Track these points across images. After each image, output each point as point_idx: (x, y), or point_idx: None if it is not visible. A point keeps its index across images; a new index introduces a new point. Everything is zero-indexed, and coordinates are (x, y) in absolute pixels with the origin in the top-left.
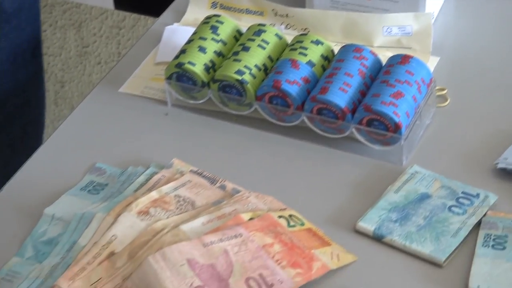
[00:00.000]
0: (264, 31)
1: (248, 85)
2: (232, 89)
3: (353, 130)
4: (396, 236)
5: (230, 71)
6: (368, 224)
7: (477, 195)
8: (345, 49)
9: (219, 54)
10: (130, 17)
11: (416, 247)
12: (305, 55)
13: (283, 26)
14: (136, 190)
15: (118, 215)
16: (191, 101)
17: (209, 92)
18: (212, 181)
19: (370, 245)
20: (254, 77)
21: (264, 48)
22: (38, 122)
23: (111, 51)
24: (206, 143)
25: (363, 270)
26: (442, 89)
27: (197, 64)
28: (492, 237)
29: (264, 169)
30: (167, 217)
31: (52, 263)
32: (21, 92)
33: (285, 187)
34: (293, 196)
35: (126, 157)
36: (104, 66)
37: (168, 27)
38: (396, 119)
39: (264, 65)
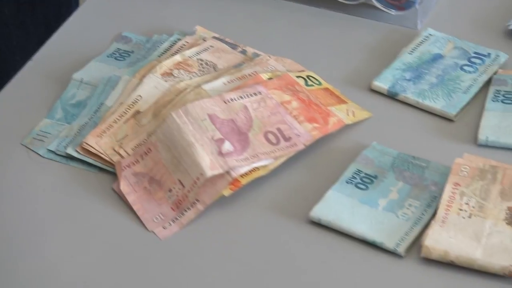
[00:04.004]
0: None
1: None
2: None
3: None
4: (410, 93)
5: None
6: (382, 83)
7: (488, 55)
8: None
9: None
10: None
11: (428, 103)
12: None
13: None
14: (160, 56)
15: (143, 77)
16: None
17: None
18: (234, 46)
19: (385, 103)
20: None
21: None
22: (72, 2)
23: None
24: (227, 12)
25: (377, 126)
26: None
27: None
28: (502, 93)
29: (283, 36)
30: (190, 79)
31: (81, 123)
32: None
33: (303, 52)
34: (311, 60)
35: (151, 26)
36: None
37: None
38: None
39: None
